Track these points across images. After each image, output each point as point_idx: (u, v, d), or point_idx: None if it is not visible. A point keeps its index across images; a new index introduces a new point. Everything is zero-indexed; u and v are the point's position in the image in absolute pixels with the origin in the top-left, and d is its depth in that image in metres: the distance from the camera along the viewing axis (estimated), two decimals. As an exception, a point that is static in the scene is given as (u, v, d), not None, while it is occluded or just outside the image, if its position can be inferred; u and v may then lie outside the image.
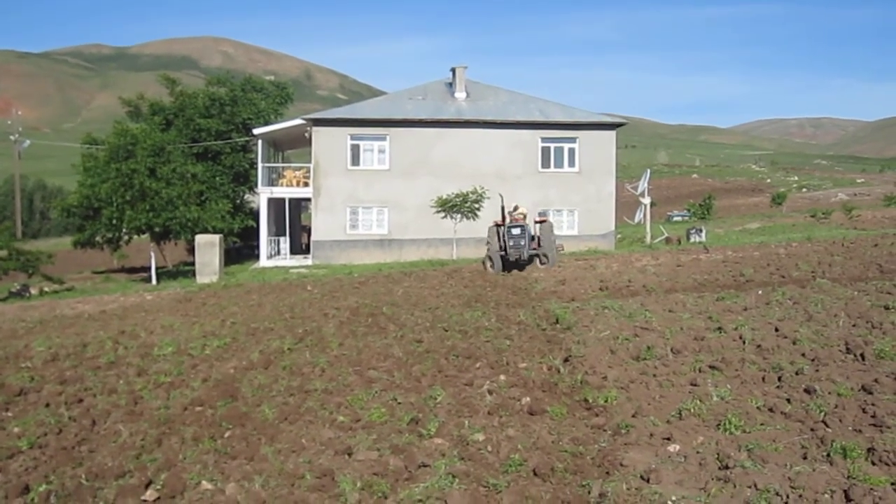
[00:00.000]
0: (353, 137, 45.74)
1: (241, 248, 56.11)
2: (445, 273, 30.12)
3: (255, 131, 47.32)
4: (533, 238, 30.48)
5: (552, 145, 47.17)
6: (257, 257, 48.09)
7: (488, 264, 29.94)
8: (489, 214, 42.32)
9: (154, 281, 40.39)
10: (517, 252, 29.70)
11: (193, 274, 39.01)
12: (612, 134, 48.21)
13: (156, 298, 28.06)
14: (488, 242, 30.68)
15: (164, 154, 42.22)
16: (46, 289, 37.74)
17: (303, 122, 46.10)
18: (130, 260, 57.08)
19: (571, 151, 47.24)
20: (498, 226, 30.77)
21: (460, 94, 49.15)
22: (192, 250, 45.28)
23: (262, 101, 54.90)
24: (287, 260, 46.97)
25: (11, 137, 77.77)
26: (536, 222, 31.19)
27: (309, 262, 44.94)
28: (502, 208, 31.23)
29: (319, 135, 45.53)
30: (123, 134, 41.24)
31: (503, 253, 29.96)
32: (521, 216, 31.07)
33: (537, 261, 30.14)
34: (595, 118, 48.99)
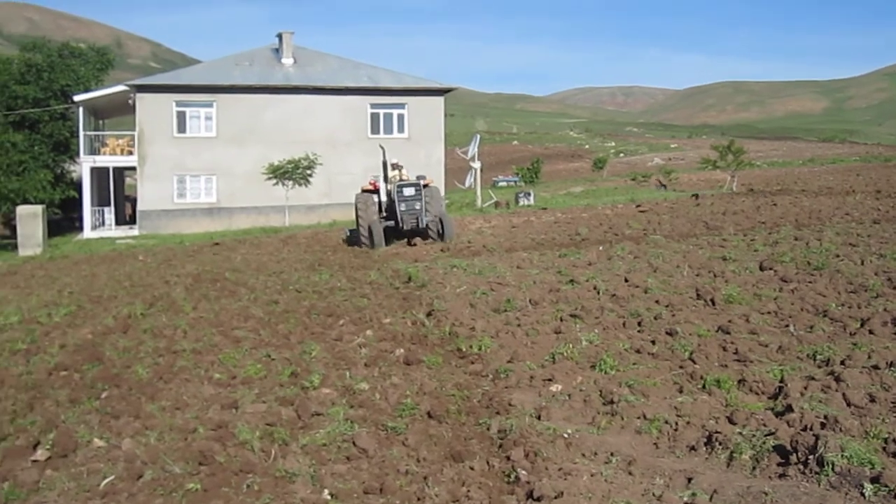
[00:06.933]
0: (178, 104, 44.42)
1: (61, 221, 53.73)
2: (280, 240, 29.94)
3: (76, 98, 45.23)
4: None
5: (381, 111, 47.18)
6: (80, 229, 46.19)
7: (363, 237, 24.16)
8: (320, 181, 42.25)
9: (-30, 255, 38.45)
10: (413, 219, 23.78)
11: (13, 247, 37.33)
12: (440, 100, 48.63)
13: (-23, 271, 26.76)
14: (359, 209, 24.77)
15: (-21, 123, 40.10)
16: None
17: (126, 88, 44.50)
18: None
19: (401, 117, 47.40)
20: (377, 190, 25.35)
21: (287, 60, 48.49)
22: (7, 223, 43.28)
23: (81, 68, 52.41)
24: (112, 231, 45.27)
25: None
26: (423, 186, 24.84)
27: (135, 232, 43.56)
28: (384, 164, 25.73)
29: (144, 101, 44.04)
30: (-68, 101, 38.88)
31: (393, 222, 24.22)
32: (397, 176, 25.32)
33: (430, 234, 24.11)
34: (424, 84, 49.21)
